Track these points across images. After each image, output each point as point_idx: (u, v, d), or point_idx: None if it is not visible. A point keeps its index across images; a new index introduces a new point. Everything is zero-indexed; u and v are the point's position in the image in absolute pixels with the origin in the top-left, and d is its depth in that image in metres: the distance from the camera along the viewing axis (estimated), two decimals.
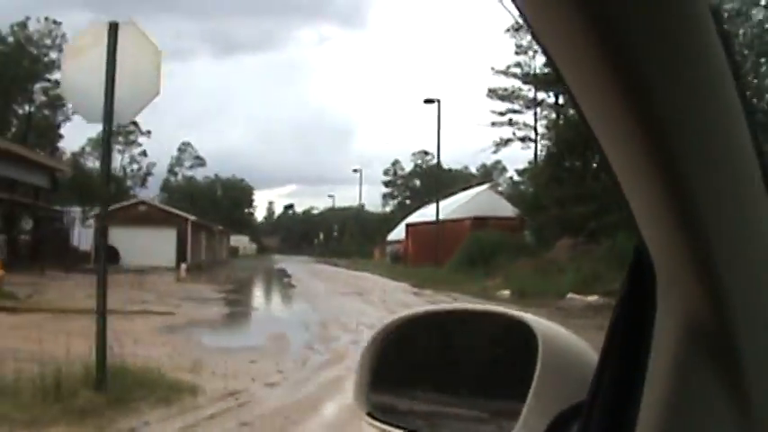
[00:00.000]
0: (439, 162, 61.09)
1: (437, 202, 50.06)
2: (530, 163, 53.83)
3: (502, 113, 55.54)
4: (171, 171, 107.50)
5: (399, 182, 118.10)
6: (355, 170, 76.19)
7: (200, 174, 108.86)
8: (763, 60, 30.79)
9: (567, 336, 1.61)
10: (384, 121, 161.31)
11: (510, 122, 55.14)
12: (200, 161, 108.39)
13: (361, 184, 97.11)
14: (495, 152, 56.92)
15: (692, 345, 1.17)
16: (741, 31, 30.56)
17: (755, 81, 30.36)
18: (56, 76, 52.48)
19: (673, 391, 1.18)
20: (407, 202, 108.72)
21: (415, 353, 1.81)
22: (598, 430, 1.27)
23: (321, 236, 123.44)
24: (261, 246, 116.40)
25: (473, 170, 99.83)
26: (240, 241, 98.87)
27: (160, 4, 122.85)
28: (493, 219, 45.72)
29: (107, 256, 33.14)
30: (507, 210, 49.81)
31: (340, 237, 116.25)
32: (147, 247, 45.71)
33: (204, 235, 53.66)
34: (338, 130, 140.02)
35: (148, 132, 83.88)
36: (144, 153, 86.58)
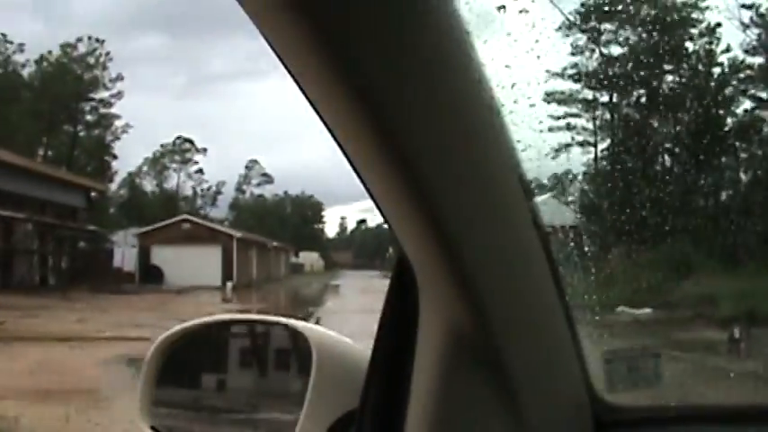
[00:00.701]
0: None
1: None
2: (587, 166, 50.78)
3: (559, 118, 52.48)
4: (239, 189, 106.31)
5: None
6: None
7: (268, 191, 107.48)
8: None
9: (343, 343, 1.65)
10: None
11: (568, 127, 52.03)
12: (267, 178, 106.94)
13: None
14: (554, 158, 53.68)
15: (456, 349, 1.22)
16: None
17: None
18: (101, 94, 51.39)
19: (439, 395, 1.24)
20: None
21: (196, 363, 1.78)
22: None
23: (391, 249, 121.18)
24: (331, 261, 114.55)
25: (544, 181, 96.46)
26: (308, 258, 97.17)
27: (232, 26, 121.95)
28: (549, 227, 42.74)
29: (151, 276, 31.16)
30: (570, 218, 46.91)
31: None
32: (193, 265, 43.97)
33: (255, 252, 51.73)
34: None
35: (204, 150, 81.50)
36: (200, 171, 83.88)
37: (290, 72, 0.94)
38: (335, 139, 1.03)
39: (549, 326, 1.41)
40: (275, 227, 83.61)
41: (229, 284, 44.38)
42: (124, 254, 45.37)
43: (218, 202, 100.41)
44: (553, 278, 1.38)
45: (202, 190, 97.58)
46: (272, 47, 0.91)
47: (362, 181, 1.11)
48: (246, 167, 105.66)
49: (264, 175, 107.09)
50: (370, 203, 1.25)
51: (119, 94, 52.05)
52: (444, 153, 1.03)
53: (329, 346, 1.59)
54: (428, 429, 1.24)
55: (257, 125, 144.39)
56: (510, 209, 1.21)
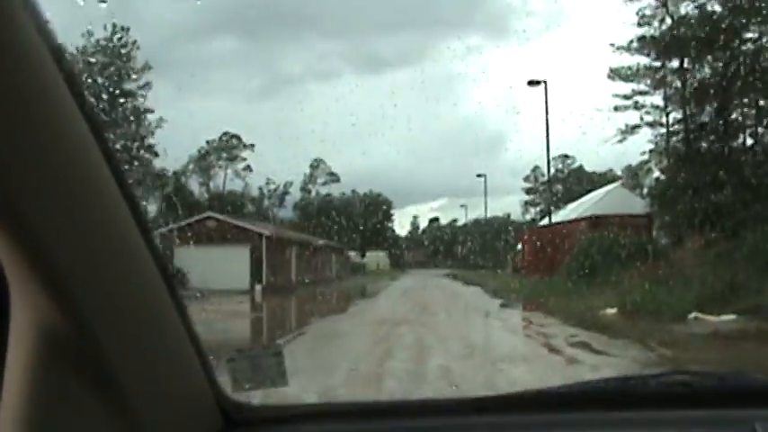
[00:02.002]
0: (548, 149, 47.74)
1: (548, 204, 40.56)
2: (656, 144, 43.92)
3: (626, 96, 45.38)
4: (304, 189, 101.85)
5: (541, 188, 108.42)
6: (479, 175, 66.15)
7: (334, 190, 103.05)
8: None
9: None
10: (535, 128, 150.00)
11: (636, 106, 45.06)
12: (333, 177, 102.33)
13: (486, 191, 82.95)
14: (621, 141, 46.72)
15: (50, 353, 1.16)
16: None
17: None
18: (128, 86, 46.44)
19: (31, 401, 1.14)
20: (551, 209, 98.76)
21: None
22: None
23: (460, 249, 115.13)
24: (401, 261, 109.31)
25: (618, 172, 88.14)
26: (374, 257, 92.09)
27: (304, 27, 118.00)
28: (614, 217, 36.21)
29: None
30: (641, 207, 41.07)
31: (481, 248, 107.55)
32: (219, 267, 38.54)
33: (295, 251, 46.12)
34: (489, 140, 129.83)
35: (252, 146, 74.81)
36: (248, 168, 77.20)
37: None
38: None
39: (160, 328, 1.37)
40: (341, 226, 78.87)
41: (258, 288, 38.99)
42: None
43: (285, 202, 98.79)
44: (164, 280, 1.34)
45: (269, 191, 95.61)
46: None
47: None
48: (311, 166, 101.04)
49: (331, 174, 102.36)
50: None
51: (147, 85, 47.13)
52: (27, 153, 0.98)
53: None
54: None
55: (326, 125, 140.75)
56: (106, 210, 1.17)
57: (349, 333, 19.34)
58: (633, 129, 46.36)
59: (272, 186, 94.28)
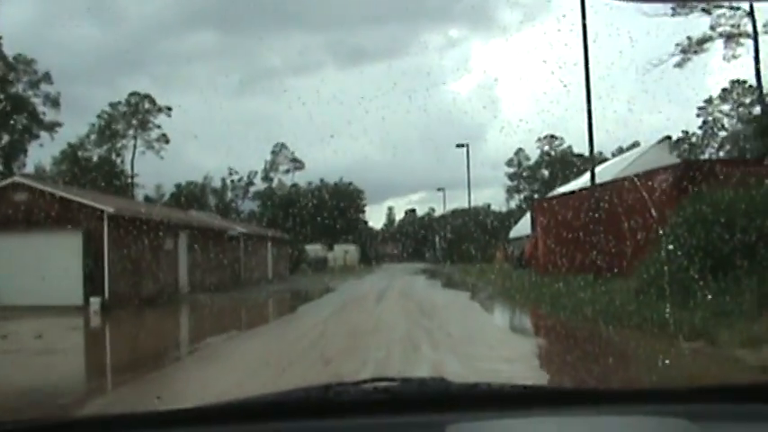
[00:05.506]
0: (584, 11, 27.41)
1: (591, 142, 21.43)
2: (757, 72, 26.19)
3: None
4: (265, 177, 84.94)
5: (525, 173, 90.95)
6: (460, 145, 48.07)
7: (299, 179, 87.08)
8: None
9: None
10: (514, 122, 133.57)
11: (706, 8, 27.47)
12: (297, 164, 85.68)
13: (468, 162, 60.91)
14: (679, 65, 28.81)
15: None
16: None
17: None
18: None
19: None
20: (535, 196, 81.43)
21: None
22: None
23: (438, 240, 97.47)
24: (374, 255, 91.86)
25: (608, 155, 69.15)
26: (342, 251, 74.76)
27: (286, 20, 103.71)
28: (721, 163, 18.45)
29: None
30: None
31: (461, 239, 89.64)
32: (37, 266, 20.76)
33: (185, 242, 27.97)
34: (468, 132, 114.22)
35: (168, 109, 56.30)
36: (164, 137, 57.86)
37: None
38: None
39: None
40: (309, 218, 63.37)
41: (95, 302, 21.02)
42: None
43: (249, 194, 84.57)
44: None
45: (232, 181, 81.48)
46: None
47: None
48: (273, 152, 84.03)
49: (294, 160, 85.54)
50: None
51: None
52: None
53: None
54: None
55: (301, 117, 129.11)
56: None
57: None
58: (701, 43, 28.50)
59: (236, 177, 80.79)
